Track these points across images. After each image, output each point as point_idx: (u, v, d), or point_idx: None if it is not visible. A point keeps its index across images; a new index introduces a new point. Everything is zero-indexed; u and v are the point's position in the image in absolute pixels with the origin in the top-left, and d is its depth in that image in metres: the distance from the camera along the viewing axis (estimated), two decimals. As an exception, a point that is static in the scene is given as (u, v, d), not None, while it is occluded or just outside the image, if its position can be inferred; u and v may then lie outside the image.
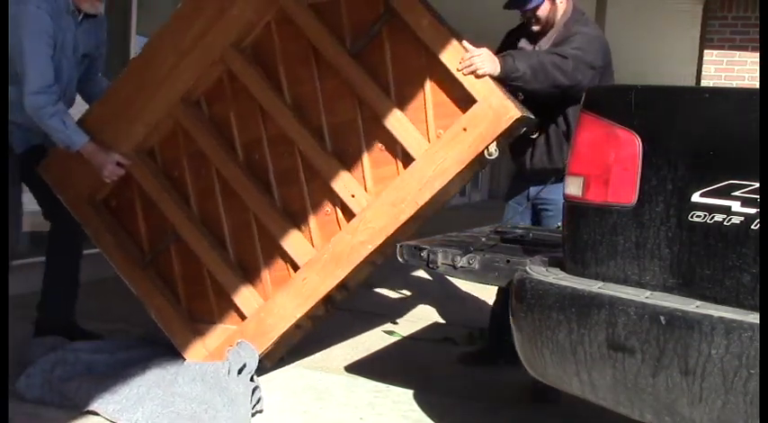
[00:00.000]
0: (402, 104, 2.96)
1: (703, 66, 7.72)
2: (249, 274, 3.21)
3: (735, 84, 7.54)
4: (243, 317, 3.20)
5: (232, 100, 3.19)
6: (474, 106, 2.84)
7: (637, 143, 1.99)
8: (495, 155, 2.85)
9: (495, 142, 2.82)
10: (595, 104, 2.12)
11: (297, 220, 3.13)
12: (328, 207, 3.10)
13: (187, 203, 3.29)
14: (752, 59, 7.48)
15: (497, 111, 2.80)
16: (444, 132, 2.89)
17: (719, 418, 1.78)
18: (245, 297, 3.19)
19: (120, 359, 3.10)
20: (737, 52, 7.54)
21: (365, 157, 3.04)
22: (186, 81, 3.18)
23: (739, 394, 1.74)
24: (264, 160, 3.16)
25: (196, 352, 3.21)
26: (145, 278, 3.32)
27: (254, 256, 3.21)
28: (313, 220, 3.12)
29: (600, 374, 1.94)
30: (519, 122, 2.84)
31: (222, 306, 3.26)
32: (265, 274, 3.20)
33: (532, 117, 2.96)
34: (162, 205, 3.28)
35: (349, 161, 3.05)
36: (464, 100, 2.87)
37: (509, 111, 2.79)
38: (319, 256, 3.05)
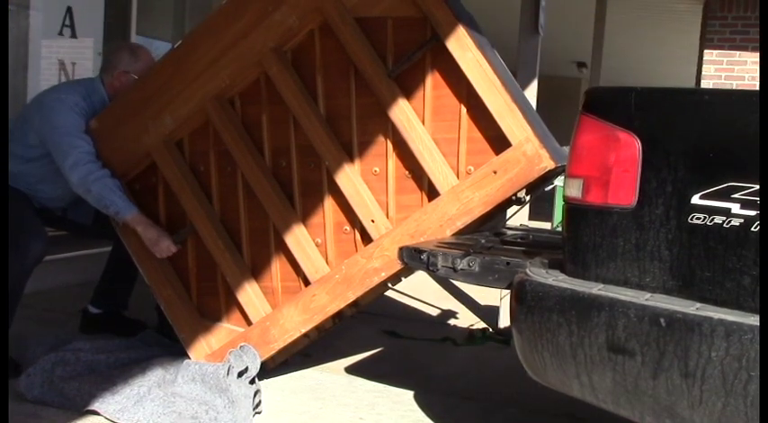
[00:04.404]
0: (435, 134, 2.92)
1: (703, 66, 7.75)
2: (260, 281, 3.20)
3: (735, 84, 7.56)
4: (249, 321, 3.19)
5: (266, 103, 3.15)
6: (508, 150, 2.79)
7: (636, 145, 1.99)
8: (525, 200, 2.82)
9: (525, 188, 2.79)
10: (595, 106, 2.12)
11: (314, 233, 3.10)
12: (347, 225, 3.07)
13: (209, 199, 3.26)
14: (752, 59, 7.50)
15: (531, 159, 2.75)
16: (475, 170, 2.86)
17: (720, 420, 1.78)
18: (252, 303, 3.17)
19: (121, 359, 3.10)
20: (737, 52, 7.56)
21: (390, 182, 3.00)
22: (223, 79, 3.14)
23: (739, 396, 1.75)
24: (290, 169, 3.12)
25: (199, 349, 3.21)
26: (158, 267, 3.31)
27: (268, 263, 3.19)
28: (330, 237, 3.09)
29: (600, 377, 1.94)
30: (552, 172, 2.81)
31: (231, 307, 3.25)
32: (276, 283, 3.18)
33: None
34: (182, 198, 3.26)
35: (374, 183, 3.02)
36: (499, 140, 2.82)
37: (542, 161, 2.74)
38: (331, 275, 3.02)
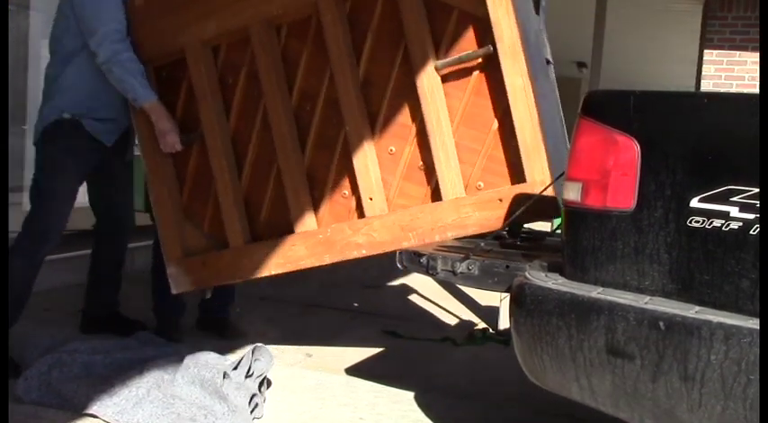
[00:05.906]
0: (460, 139, 2.88)
1: (703, 66, 7.74)
2: (249, 209, 3.21)
3: (735, 84, 7.56)
4: (227, 243, 3.21)
5: (311, 44, 3.09)
6: (520, 185, 2.77)
7: (635, 148, 1.99)
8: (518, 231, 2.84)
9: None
10: (594, 109, 2.11)
11: (314, 187, 3.09)
12: (348, 191, 3.05)
13: (227, 114, 3.24)
14: (752, 59, 7.50)
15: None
16: (484, 187, 2.85)
17: (719, 423, 1.79)
18: (235, 229, 3.19)
19: (117, 359, 3.09)
20: (737, 52, 7.56)
21: (401, 166, 2.97)
22: (277, 7, 3.08)
23: (738, 400, 1.75)
24: (312, 116, 3.09)
25: (174, 249, 3.28)
26: (160, 162, 3.32)
27: (263, 196, 3.19)
28: (328, 196, 3.08)
29: (599, 380, 1.95)
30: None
31: (214, 222, 3.27)
32: (264, 219, 3.20)
33: None
34: (202, 106, 3.24)
35: (386, 161, 2.98)
36: (517, 169, 2.80)
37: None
38: (315, 232, 3.04)
